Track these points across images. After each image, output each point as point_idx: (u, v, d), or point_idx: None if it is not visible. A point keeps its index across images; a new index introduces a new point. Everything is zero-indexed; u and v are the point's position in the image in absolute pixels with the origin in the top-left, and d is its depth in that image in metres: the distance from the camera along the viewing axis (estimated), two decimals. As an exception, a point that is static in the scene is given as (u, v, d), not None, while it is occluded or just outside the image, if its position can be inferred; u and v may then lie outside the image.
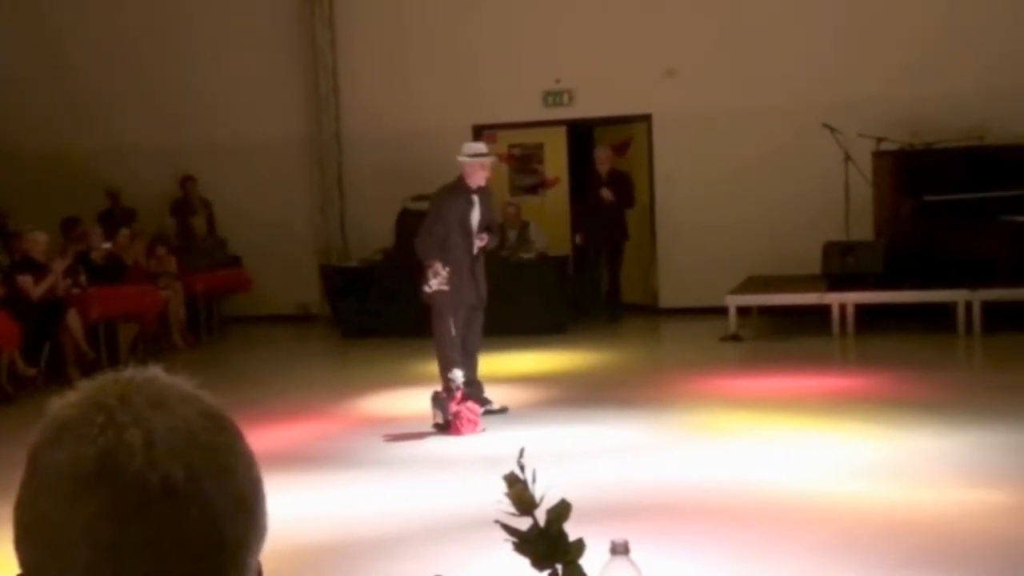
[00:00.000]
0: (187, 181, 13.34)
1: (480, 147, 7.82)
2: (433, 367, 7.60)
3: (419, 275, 7.60)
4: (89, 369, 9.71)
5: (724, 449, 6.39)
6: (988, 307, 10.07)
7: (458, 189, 7.51)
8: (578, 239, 12.26)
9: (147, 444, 0.82)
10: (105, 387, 0.87)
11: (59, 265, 9.91)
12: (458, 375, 7.13)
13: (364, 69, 13.27)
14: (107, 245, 11.04)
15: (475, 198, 7.47)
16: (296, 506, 5.36)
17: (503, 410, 7.54)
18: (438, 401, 7.14)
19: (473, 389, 7.39)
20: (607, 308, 12.12)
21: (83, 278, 10.15)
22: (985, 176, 10.58)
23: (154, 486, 0.81)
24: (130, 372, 0.89)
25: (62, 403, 0.88)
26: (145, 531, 0.80)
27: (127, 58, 13.72)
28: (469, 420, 7.06)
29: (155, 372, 0.90)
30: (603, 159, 12.05)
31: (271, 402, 8.12)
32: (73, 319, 9.64)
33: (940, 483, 5.53)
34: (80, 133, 13.82)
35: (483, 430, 7.09)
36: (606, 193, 11.85)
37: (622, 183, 12.05)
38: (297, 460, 6.51)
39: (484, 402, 7.47)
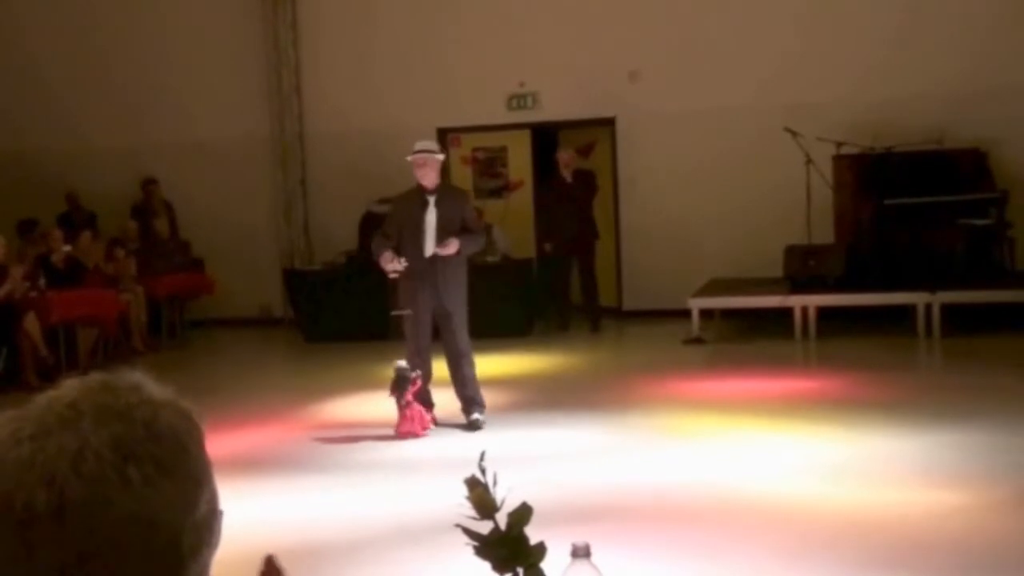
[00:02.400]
0: (148, 184, 13.21)
1: (422, 144, 7.34)
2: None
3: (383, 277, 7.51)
4: (48, 374, 9.59)
5: (686, 451, 6.42)
6: (947, 309, 10.20)
7: (412, 190, 7.30)
8: (547, 247, 11.97)
9: (26, 466, 0.81)
10: (60, 394, 0.87)
11: (17, 271, 9.78)
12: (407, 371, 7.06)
13: (327, 69, 13.21)
14: (67, 248, 10.91)
15: (430, 199, 7.15)
16: (258, 511, 5.32)
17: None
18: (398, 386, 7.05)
19: (424, 396, 7.28)
20: (588, 315, 11.73)
21: (42, 281, 10.02)
22: (943, 180, 10.71)
23: (16, 510, 0.80)
24: (93, 380, 0.89)
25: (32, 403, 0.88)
26: (7, 550, 0.79)
27: (86, 56, 13.57)
28: (412, 419, 7.04)
29: (117, 381, 0.89)
30: (566, 161, 11.97)
31: (233, 406, 8.06)
32: (31, 323, 9.51)
33: (901, 484, 5.58)
34: (38, 133, 13.65)
35: (426, 435, 7.09)
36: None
37: (586, 179, 11.98)
38: (259, 464, 6.46)
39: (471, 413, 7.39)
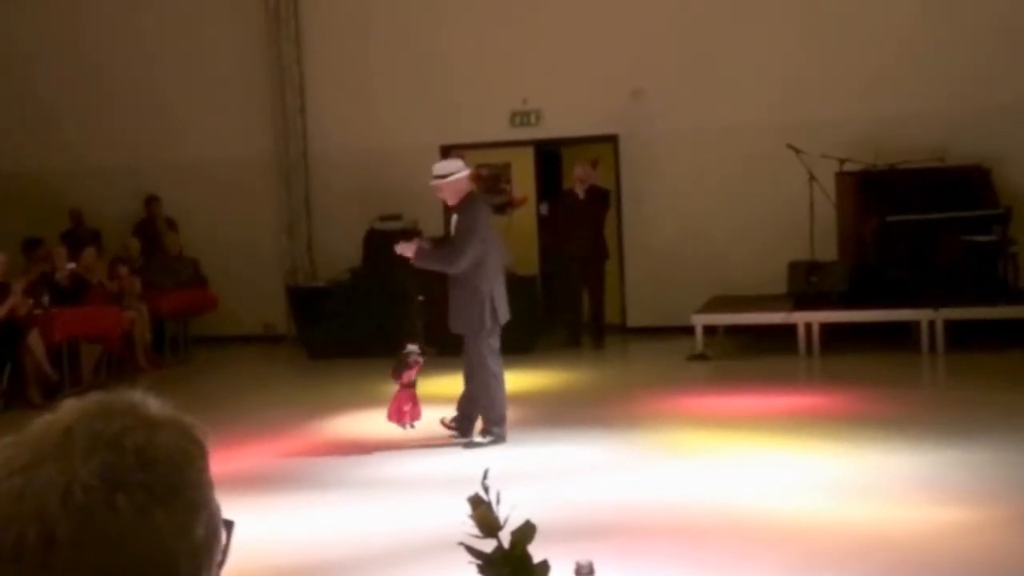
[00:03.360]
0: (151, 201, 13.24)
1: (434, 169, 7.39)
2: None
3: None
4: (52, 391, 9.59)
5: (690, 468, 6.41)
6: (951, 326, 10.18)
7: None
8: (543, 209, 12.32)
9: (17, 499, 0.82)
10: (56, 419, 0.87)
11: (19, 285, 9.79)
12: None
13: (331, 88, 13.25)
14: (71, 266, 10.92)
15: (454, 217, 7.34)
16: (261, 529, 5.31)
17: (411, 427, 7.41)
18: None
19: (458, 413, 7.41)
20: (591, 332, 11.76)
21: (45, 299, 10.03)
22: (946, 197, 10.71)
23: (8, 543, 0.80)
24: (91, 402, 0.88)
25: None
26: None
27: (90, 75, 13.62)
28: (398, 407, 7.18)
29: (114, 404, 0.89)
30: (582, 177, 11.89)
31: (236, 423, 8.05)
32: (35, 340, 9.52)
33: (906, 501, 5.57)
34: (43, 152, 13.69)
35: (406, 426, 7.24)
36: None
37: (599, 196, 11.97)
38: (263, 481, 6.46)
39: (452, 426, 7.42)
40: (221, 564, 0.91)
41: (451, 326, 7.30)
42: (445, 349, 8.83)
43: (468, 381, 7.37)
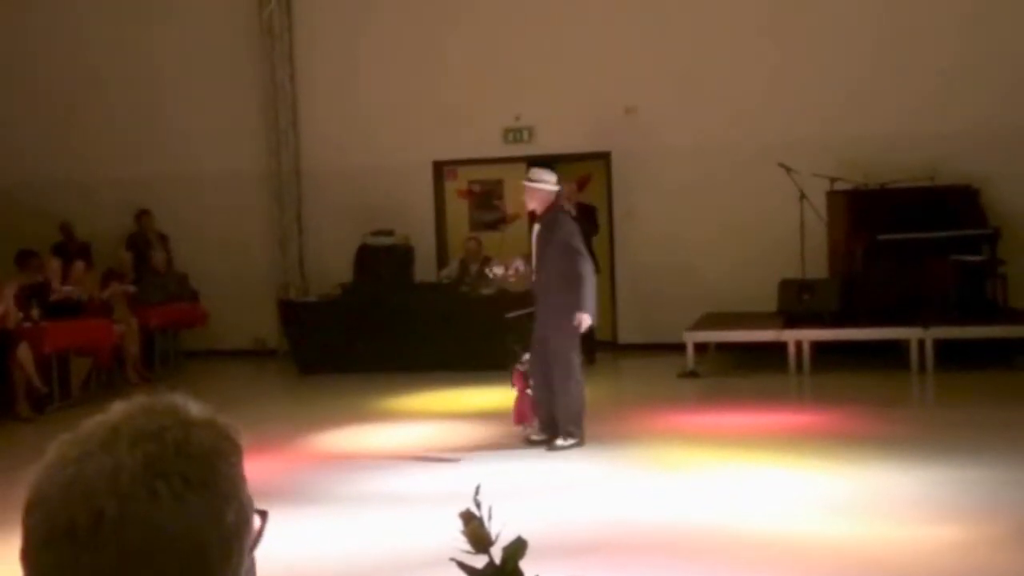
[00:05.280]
0: (142, 215, 13.22)
1: (529, 173, 7.74)
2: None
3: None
4: (41, 404, 9.55)
5: (681, 485, 6.41)
6: (940, 344, 10.22)
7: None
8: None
9: (70, 486, 0.92)
10: (106, 418, 0.98)
11: (11, 289, 9.75)
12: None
13: (324, 103, 13.27)
14: (68, 288, 10.86)
15: (536, 225, 7.61)
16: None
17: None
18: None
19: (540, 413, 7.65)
20: (583, 349, 11.85)
21: (35, 311, 10.00)
22: (936, 216, 10.76)
23: (62, 525, 0.90)
24: (136, 403, 0.99)
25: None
26: (60, 565, 0.90)
27: (84, 89, 13.62)
28: (517, 407, 7.72)
29: (157, 405, 0.99)
30: (567, 195, 11.95)
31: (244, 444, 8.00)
32: (24, 352, 9.48)
33: (896, 519, 5.57)
34: (34, 165, 13.68)
35: (520, 428, 7.70)
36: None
37: (588, 213, 12.01)
38: (252, 497, 6.42)
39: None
40: (253, 548, 1.03)
41: (546, 332, 7.49)
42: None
43: (546, 387, 7.52)
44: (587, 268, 7.39)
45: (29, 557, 0.92)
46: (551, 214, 7.54)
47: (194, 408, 1.01)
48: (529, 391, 7.75)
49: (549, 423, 7.53)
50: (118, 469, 0.92)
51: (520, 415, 7.85)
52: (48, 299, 10.39)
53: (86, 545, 0.89)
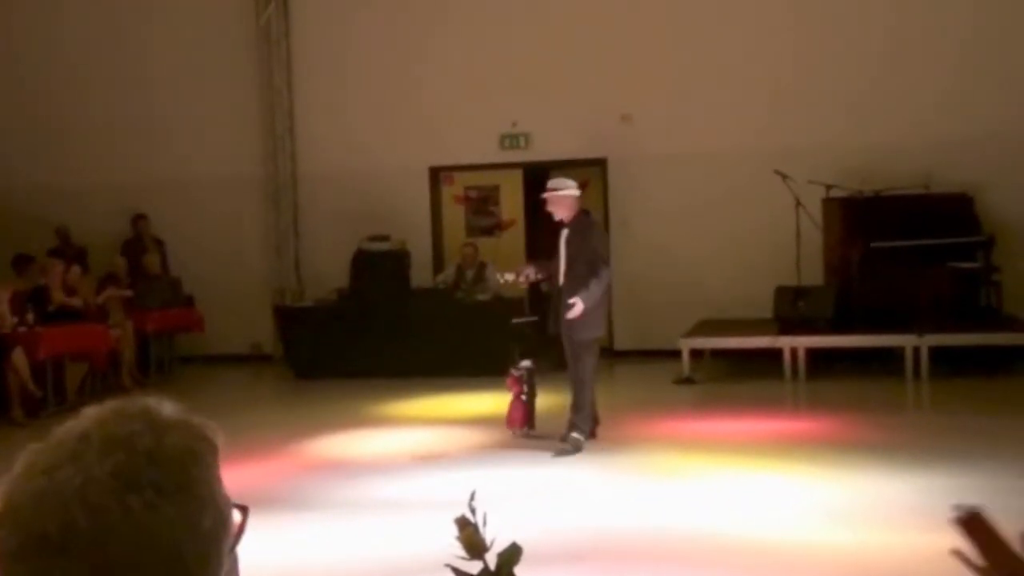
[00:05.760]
0: (138, 220, 13.21)
1: (550, 182, 7.81)
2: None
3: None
4: (36, 409, 9.54)
5: (676, 491, 6.41)
6: (935, 351, 10.24)
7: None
8: (544, 288, 12.20)
9: (40, 498, 0.89)
10: (76, 425, 0.95)
11: (5, 293, 9.73)
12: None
13: (320, 109, 13.28)
14: (71, 299, 10.83)
15: (564, 231, 7.65)
16: (244, 549, 5.28)
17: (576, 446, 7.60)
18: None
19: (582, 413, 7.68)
20: None
21: (30, 316, 9.98)
22: (931, 224, 10.79)
23: (33, 538, 0.87)
24: (107, 409, 0.96)
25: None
26: (28, 574, 0.87)
27: (79, 93, 13.62)
28: (508, 414, 7.85)
29: (128, 409, 0.96)
30: None
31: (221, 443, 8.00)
32: (19, 357, 9.46)
33: (891, 526, 5.58)
34: (30, 169, 13.66)
35: (522, 433, 7.86)
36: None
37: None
38: (247, 502, 6.39)
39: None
40: (234, 546, 1.00)
41: (572, 334, 7.54)
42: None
43: (573, 386, 7.69)
44: (605, 274, 7.61)
45: (1, 568, 0.90)
46: (579, 218, 7.69)
47: (167, 409, 0.98)
48: (523, 396, 7.82)
49: (594, 417, 7.76)
50: (87, 482, 0.89)
51: (513, 419, 7.94)
52: (46, 307, 10.37)
53: (58, 557, 0.87)
